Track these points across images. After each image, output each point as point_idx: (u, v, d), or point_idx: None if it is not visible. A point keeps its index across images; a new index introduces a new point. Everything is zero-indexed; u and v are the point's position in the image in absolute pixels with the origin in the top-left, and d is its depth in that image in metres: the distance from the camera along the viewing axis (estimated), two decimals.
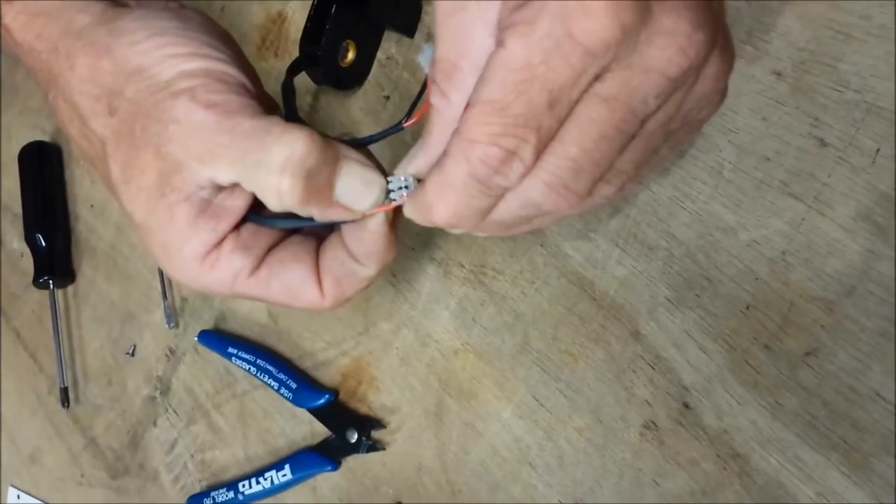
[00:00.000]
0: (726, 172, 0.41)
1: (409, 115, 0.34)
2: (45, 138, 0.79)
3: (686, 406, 0.41)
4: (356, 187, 0.33)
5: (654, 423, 0.42)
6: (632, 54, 0.25)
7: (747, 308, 0.40)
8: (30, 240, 0.74)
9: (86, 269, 0.74)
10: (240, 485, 0.57)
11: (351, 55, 0.52)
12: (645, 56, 0.26)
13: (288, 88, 0.42)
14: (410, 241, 0.52)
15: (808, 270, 0.38)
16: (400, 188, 0.33)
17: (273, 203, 0.32)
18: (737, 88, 0.41)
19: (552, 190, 0.28)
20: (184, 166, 0.32)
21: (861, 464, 0.36)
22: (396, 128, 0.34)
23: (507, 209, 0.30)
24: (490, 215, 0.30)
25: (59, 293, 0.75)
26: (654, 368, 0.42)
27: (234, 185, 0.33)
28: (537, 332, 0.46)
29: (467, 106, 0.27)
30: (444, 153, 0.29)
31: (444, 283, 0.50)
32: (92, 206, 0.75)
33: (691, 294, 0.41)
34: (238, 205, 0.34)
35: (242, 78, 0.34)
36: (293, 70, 0.47)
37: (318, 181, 0.32)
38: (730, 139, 0.41)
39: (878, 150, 0.37)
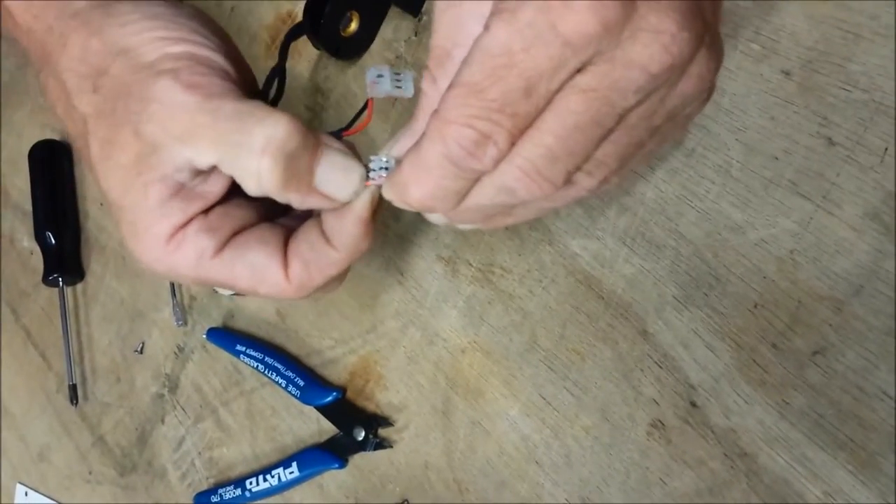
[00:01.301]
0: (734, 171, 0.41)
1: (350, 125, 0.35)
2: (56, 137, 0.80)
3: (693, 405, 0.41)
4: (336, 175, 0.33)
5: (661, 422, 0.42)
6: (614, 48, 0.26)
7: (755, 307, 0.40)
8: (40, 238, 0.75)
9: (95, 268, 0.75)
10: (247, 482, 0.58)
11: (353, 26, 0.53)
12: (628, 51, 0.26)
13: (283, 53, 0.43)
14: (418, 240, 0.52)
15: (816, 269, 0.38)
16: (381, 168, 0.33)
17: (252, 186, 0.32)
18: (745, 87, 0.41)
19: (526, 175, 0.28)
20: (162, 147, 0.32)
21: (868, 462, 0.36)
22: (336, 134, 0.35)
23: (484, 194, 0.30)
24: (467, 200, 0.30)
25: (69, 291, 0.76)
26: (661, 367, 0.42)
27: (211, 170, 0.33)
28: (545, 330, 0.46)
29: (448, 87, 0.28)
30: (423, 134, 0.29)
31: (451, 282, 0.51)
32: (101, 204, 0.75)
33: (699, 293, 0.41)
34: (212, 191, 0.34)
35: (227, 66, 0.35)
36: (294, 32, 0.47)
37: (298, 166, 0.32)
38: (738, 138, 0.41)
39: (886, 150, 0.37)
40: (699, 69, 0.28)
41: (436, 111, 0.28)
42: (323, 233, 0.36)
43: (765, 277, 0.40)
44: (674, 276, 0.42)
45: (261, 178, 0.32)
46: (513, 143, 0.28)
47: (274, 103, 0.42)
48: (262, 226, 0.37)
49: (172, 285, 0.66)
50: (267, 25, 0.61)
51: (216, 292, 0.63)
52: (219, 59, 0.35)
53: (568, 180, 0.29)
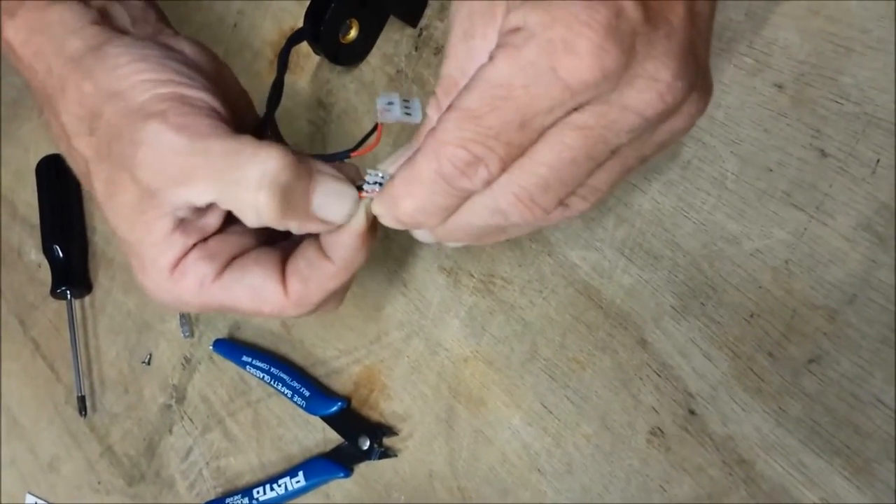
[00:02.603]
0: (729, 183, 0.42)
1: (358, 146, 0.36)
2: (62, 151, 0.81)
3: (692, 413, 0.42)
4: (331, 200, 0.34)
5: (660, 430, 0.43)
6: (611, 92, 0.27)
7: (751, 316, 0.41)
8: (47, 251, 0.76)
9: (102, 280, 0.75)
10: (254, 491, 0.58)
11: (353, 33, 0.54)
12: (624, 95, 0.27)
13: (283, 59, 0.44)
14: (421, 252, 0.53)
15: (811, 279, 0.39)
16: (375, 183, 0.34)
17: (251, 219, 0.33)
18: (739, 101, 0.42)
19: (520, 202, 0.30)
20: (159, 190, 0.33)
21: (863, 469, 0.37)
22: (343, 154, 0.36)
23: (478, 215, 0.31)
24: (458, 218, 0.32)
25: (77, 304, 0.77)
26: (660, 376, 0.43)
27: (210, 205, 0.34)
28: (545, 340, 0.47)
29: (447, 109, 0.29)
30: (417, 150, 0.30)
31: (453, 293, 0.51)
32: None
33: (696, 303, 0.42)
34: (211, 223, 0.36)
35: (216, 104, 0.36)
36: (294, 39, 0.49)
37: (294, 196, 0.33)
38: (733, 150, 0.41)
39: (877, 161, 0.38)
40: (690, 109, 0.29)
41: (432, 129, 0.29)
42: (320, 248, 0.37)
43: (760, 287, 0.40)
44: (671, 286, 0.43)
45: (259, 211, 0.33)
46: (503, 169, 0.29)
47: (271, 111, 0.42)
48: (259, 249, 0.38)
49: None
50: (270, 42, 0.62)
51: None
52: (207, 97, 0.35)
53: (559, 205, 0.30)
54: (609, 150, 0.29)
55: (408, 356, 0.53)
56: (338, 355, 0.57)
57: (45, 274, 0.76)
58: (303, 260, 0.37)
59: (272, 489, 0.57)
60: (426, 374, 0.52)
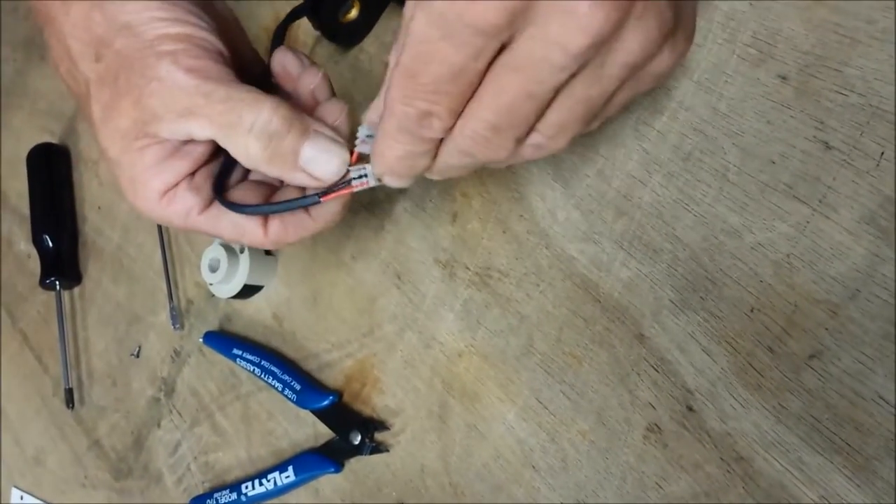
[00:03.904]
0: (731, 175, 0.41)
1: (326, 192, 0.38)
2: (54, 140, 0.80)
3: (690, 409, 0.41)
4: (320, 157, 0.37)
5: (657, 426, 0.42)
6: (533, 26, 0.27)
7: (751, 311, 0.40)
8: (37, 241, 0.75)
9: (92, 271, 0.75)
10: (243, 486, 0.58)
11: (353, 13, 0.54)
12: (546, 30, 0.27)
13: (279, 33, 0.46)
14: (415, 244, 0.52)
15: (813, 273, 0.38)
16: (366, 136, 0.36)
17: (242, 160, 0.37)
18: (742, 92, 0.41)
19: (477, 143, 0.31)
20: (161, 118, 0.36)
21: (864, 467, 0.36)
22: (312, 199, 0.38)
23: (450, 156, 0.32)
24: (438, 160, 0.33)
25: (66, 294, 0.76)
26: (658, 371, 0.42)
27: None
28: (541, 334, 0.46)
29: (393, 66, 0.30)
30: (384, 105, 0.31)
31: (449, 286, 0.50)
32: (99, 208, 0.75)
33: (696, 297, 0.41)
34: (201, 151, 0.39)
35: (222, 48, 0.38)
36: (293, 15, 0.49)
37: (283, 146, 0.37)
38: (734, 142, 0.41)
39: (882, 154, 0.37)
40: (635, 41, 0.28)
41: (387, 87, 0.30)
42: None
43: (761, 281, 0.40)
44: (670, 279, 0.42)
45: (249, 154, 0.36)
46: (456, 114, 0.30)
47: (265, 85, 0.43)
48: (246, 184, 0.42)
49: (169, 289, 0.66)
50: (266, 28, 0.62)
51: (213, 295, 0.63)
52: (214, 40, 0.38)
53: (521, 143, 0.31)
54: (549, 88, 0.28)
55: (401, 350, 0.52)
56: (330, 348, 0.56)
57: (35, 265, 0.76)
58: None
59: (261, 484, 0.57)
60: (419, 368, 0.51)
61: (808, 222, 0.39)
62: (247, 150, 0.36)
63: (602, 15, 0.26)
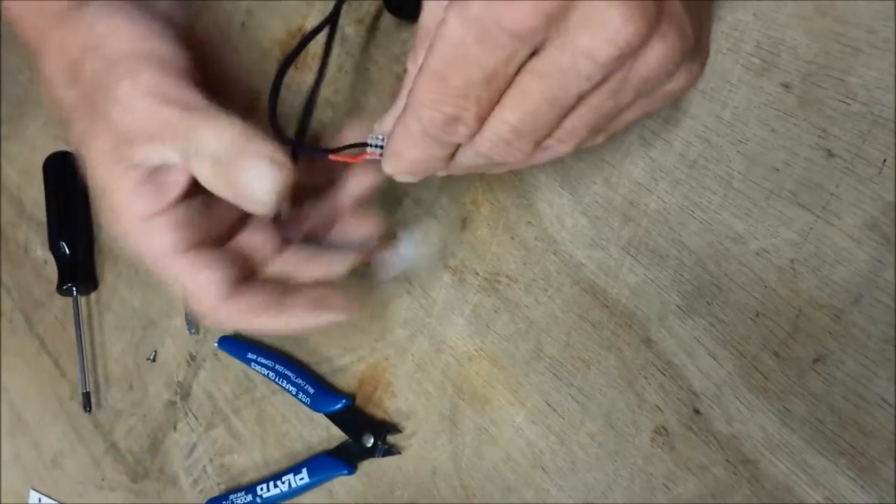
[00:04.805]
0: (736, 182, 0.42)
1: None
2: (69, 149, 0.81)
3: (696, 412, 0.42)
4: (254, 178, 0.35)
5: (664, 429, 0.43)
6: (564, 35, 0.27)
7: (757, 315, 0.41)
8: (54, 248, 0.76)
9: (108, 277, 0.76)
10: (258, 488, 0.58)
11: None
12: (576, 40, 0.27)
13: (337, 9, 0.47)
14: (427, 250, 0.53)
15: (816, 279, 0.39)
16: (376, 146, 0.36)
17: (203, 185, 0.36)
18: (746, 100, 0.42)
19: (497, 147, 0.31)
20: (132, 140, 0.35)
21: (868, 468, 0.37)
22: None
23: (466, 158, 0.33)
24: (454, 161, 0.33)
25: (82, 300, 0.77)
26: (665, 375, 0.43)
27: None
28: (550, 338, 0.47)
29: (419, 70, 0.30)
30: (405, 107, 0.31)
31: (458, 291, 0.51)
32: None
33: (702, 302, 0.42)
34: (177, 180, 0.37)
35: (186, 62, 0.37)
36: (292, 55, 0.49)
37: (227, 170, 0.35)
38: (739, 150, 0.42)
39: (884, 161, 0.38)
40: (657, 54, 0.29)
41: (411, 90, 0.30)
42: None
43: (766, 286, 0.40)
44: (677, 285, 0.43)
45: (203, 179, 0.36)
46: (482, 121, 0.30)
47: (273, 107, 0.43)
48: (227, 248, 0.41)
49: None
50: (278, 40, 0.63)
51: None
52: (179, 54, 0.37)
53: (538, 147, 0.32)
54: (573, 96, 0.29)
55: (412, 354, 0.53)
56: (342, 353, 0.57)
57: (52, 271, 0.77)
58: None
59: (276, 486, 0.57)
60: (430, 372, 0.52)
61: (811, 228, 0.39)
62: (201, 175, 0.36)
63: (633, 27, 0.27)
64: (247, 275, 0.41)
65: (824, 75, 0.40)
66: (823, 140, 0.39)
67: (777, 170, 0.41)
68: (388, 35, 0.58)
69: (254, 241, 0.42)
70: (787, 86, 0.41)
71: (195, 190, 0.37)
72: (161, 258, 0.38)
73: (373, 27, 0.59)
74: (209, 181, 0.36)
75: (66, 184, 0.78)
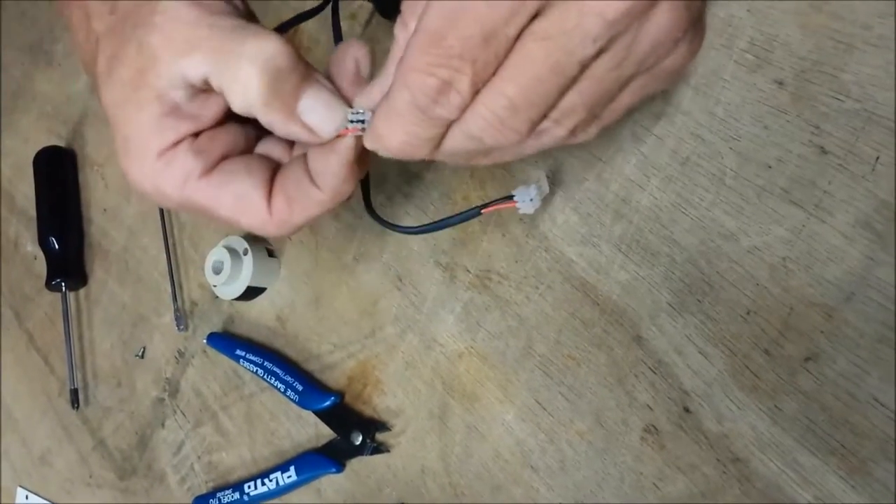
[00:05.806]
0: (728, 179, 0.41)
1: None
2: (61, 143, 0.81)
3: (687, 410, 0.42)
4: (319, 108, 0.34)
5: (654, 427, 0.42)
6: None
7: (748, 313, 0.40)
8: (43, 243, 0.76)
9: (98, 273, 0.75)
10: (245, 486, 0.58)
11: None
12: None
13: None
14: (417, 246, 0.53)
15: (809, 276, 0.39)
16: (357, 121, 0.34)
17: (238, 99, 0.33)
18: (739, 97, 0.41)
19: (491, 125, 0.29)
20: (160, 60, 0.33)
21: (859, 468, 0.37)
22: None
23: (455, 140, 0.31)
24: (442, 146, 0.31)
25: (72, 296, 0.76)
26: (655, 373, 0.43)
27: (205, 92, 0.34)
28: (540, 336, 0.47)
29: (412, 35, 0.28)
30: (392, 82, 0.29)
31: (449, 288, 0.51)
32: (105, 210, 0.76)
33: (693, 299, 0.42)
34: (205, 114, 0.35)
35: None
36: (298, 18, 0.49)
37: (284, 86, 0.33)
38: (731, 146, 0.41)
39: (877, 158, 0.37)
40: (664, 19, 0.28)
41: (401, 58, 0.29)
42: (308, 172, 0.36)
43: (757, 284, 0.40)
44: (668, 282, 0.43)
45: (247, 88, 0.32)
46: (476, 90, 0.28)
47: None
48: (250, 157, 0.38)
49: (173, 291, 0.67)
50: None
51: (216, 297, 0.63)
52: None
53: (533, 129, 0.30)
54: (577, 63, 0.27)
55: (402, 351, 0.53)
56: (332, 350, 0.57)
57: (41, 266, 0.76)
58: (291, 180, 0.36)
59: (263, 484, 0.57)
60: (420, 370, 0.52)
61: (803, 226, 0.39)
62: (246, 86, 0.32)
63: None
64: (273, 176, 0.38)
65: (818, 72, 0.39)
66: (816, 137, 0.39)
67: (770, 167, 0.40)
68: (381, 30, 0.57)
69: (271, 149, 0.40)
70: (780, 82, 0.40)
71: (222, 119, 0.36)
72: (185, 188, 0.35)
73: (367, 22, 0.59)
74: (254, 94, 0.33)
75: (56, 179, 0.78)
